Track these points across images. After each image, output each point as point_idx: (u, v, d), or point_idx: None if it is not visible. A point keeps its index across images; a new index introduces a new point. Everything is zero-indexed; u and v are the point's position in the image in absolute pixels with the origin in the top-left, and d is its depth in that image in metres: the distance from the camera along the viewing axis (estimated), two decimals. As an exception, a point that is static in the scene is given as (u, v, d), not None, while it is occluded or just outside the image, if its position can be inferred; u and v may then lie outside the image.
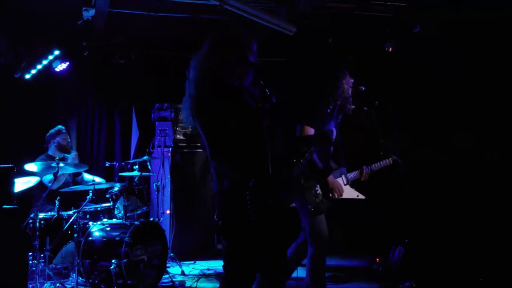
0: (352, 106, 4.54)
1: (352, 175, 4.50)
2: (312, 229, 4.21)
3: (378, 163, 4.54)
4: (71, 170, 5.58)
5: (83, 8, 5.68)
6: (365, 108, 4.64)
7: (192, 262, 6.53)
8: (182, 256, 6.48)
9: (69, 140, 6.01)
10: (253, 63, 2.91)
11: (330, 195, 4.28)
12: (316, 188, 4.26)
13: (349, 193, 4.48)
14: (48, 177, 5.54)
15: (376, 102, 4.47)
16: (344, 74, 4.44)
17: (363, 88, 4.47)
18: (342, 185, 4.38)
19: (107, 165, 6.60)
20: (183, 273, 5.97)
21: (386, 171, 4.59)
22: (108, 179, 7.04)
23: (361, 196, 4.53)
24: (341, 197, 4.37)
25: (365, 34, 6.52)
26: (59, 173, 5.09)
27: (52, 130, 5.97)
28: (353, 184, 4.53)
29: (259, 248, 2.80)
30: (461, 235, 5.58)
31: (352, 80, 4.45)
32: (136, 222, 5.17)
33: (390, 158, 4.52)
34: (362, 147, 5.06)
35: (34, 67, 6.52)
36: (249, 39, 3.00)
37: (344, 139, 4.54)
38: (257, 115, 2.88)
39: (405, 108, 6.00)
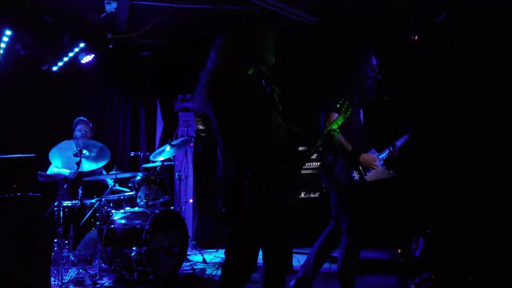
0: (374, 95, 4.53)
1: (383, 154, 4.50)
2: (350, 220, 4.22)
3: (402, 138, 4.55)
4: (93, 165, 5.68)
5: (105, 1, 5.80)
6: (386, 98, 4.63)
7: (214, 250, 6.62)
8: (204, 244, 6.59)
9: (84, 131, 6.04)
10: (264, 57, 2.96)
11: (365, 175, 4.26)
12: (353, 174, 4.25)
13: (383, 173, 4.46)
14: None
15: (392, 92, 4.45)
16: (368, 53, 4.40)
17: (380, 77, 4.43)
18: (376, 158, 4.36)
19: (132, 155, 6.74)
20: (204, 261, 6.07)
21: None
22: (133, 169, 7.21)
23: (393, 175, 4.53)
24: (377, 174, 4.35)
25: (386, 23, 6.45)
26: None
27: (74, 121, 6.14)
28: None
29: (259, 237, 2.85)
30: (483, 227, 5.49)
31: (375, 62, 4.40)
32: (156, 211, 5.28)
33: (410, 133, 4.54)
34: (385, 132, 5.02)
35: (61, 60, 6.70)
36: (264, 32, 3.03)
37: (369, 123, 4.54)
38: (266, 107, 2.92)
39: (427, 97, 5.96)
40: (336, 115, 4.12)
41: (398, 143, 4.54)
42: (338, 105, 3.99)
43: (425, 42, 6.31)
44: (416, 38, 6.57)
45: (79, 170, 5.21)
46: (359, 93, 4.33)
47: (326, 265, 4.53)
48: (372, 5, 6.05)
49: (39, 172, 4.69)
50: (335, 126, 3.96)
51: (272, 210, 2.80)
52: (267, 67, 3.01)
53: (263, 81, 2.88)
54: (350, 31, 6.66)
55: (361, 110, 4.40)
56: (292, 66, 6.83)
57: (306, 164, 6.34)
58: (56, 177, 5.73)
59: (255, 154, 2.78)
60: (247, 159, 2.76)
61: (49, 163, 5.56)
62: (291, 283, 4.42)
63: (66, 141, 5.33)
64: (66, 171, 5.65)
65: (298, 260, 5.18)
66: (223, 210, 2.86)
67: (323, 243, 4.46)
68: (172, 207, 6.08)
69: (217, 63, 2.96)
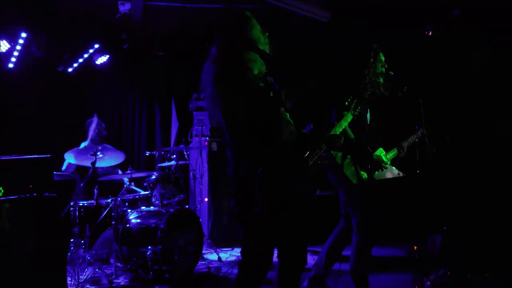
0: (387, 92, 4.51)
1: (391, 153, 4.47)
2: (360, 218, 4.21)
3: (410, 138, 4.53)
4: (107, 163, 5.74)
5: (119, 2, 5.86)
6: (400, 94, 4.59)
7: (230, 249, 6.63)
8: (220, 243, 6.60)
9: (98, 130, 6.13)
10: (262, 52, 2.93)
11: (374, 173, 4.25)
12: (358, 172, 4.25)
13: (391, 172, 4.46)
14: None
15: (405, 88, 4.41)
16: (376, 50, 4.37)
17: (392, 74, 4.40)
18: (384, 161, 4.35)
19: (147, 154, 6.78)
20: (219, 259, 6.07)
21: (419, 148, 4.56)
22: (148, 168, 7.26)
23: (401, 174, 4.52)
24: (386, 173, 4.35)
25: (401, 18, 6.40)
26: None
27: (87, 122, 6.23)
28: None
29: (273, 235, 2.85)
30: (501, 224, 5.43)
31: (382, 60, 4.37)
32: (171, 210, 5.30)
33: (419, 132, 4.49)
34: (395, 129, 4.99)
35: (76, 61, 6.77)
36: (256, 27, 3.02)
37: (377, 121, 4.52)
38: (274, 103, 2.91)
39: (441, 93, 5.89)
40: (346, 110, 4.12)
41: (405, 143, 4.51)
42: (346, 103, 3.97)
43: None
44: (430, 33, 6.51)
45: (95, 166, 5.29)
46: (370, 91, 4.30)
47: (336, 263, 4.51)
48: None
49: (55, 172, 4.75)
50: (344, 124, 3.95)
51: (284, 208, 2.79)
52: (269, 63, 2.96)
53: (271, 78, 2.86)
54: (362, 27, 6.63)
55: (368, 109, 4.37)
56: (302, 63, 6.83)
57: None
58: (69, 170, 5.81)
59: (265, 151, 2.77)
60: (257, 156, 2.75)
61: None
62: (304, 284, 4.42)
63: (83, 146, 5.42)
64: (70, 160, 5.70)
65: (313, 257, 5.17)
66: (236, 209, 2.87)
67: (334, 241, 4.46)
68: (187, 206, 6.10)
69: (218, 64, 2.93)
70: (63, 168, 5.89)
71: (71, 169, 5.88)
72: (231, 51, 2.91)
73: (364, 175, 4.24)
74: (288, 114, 2.92)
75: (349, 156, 4.22)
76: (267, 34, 3.03)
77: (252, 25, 2.99)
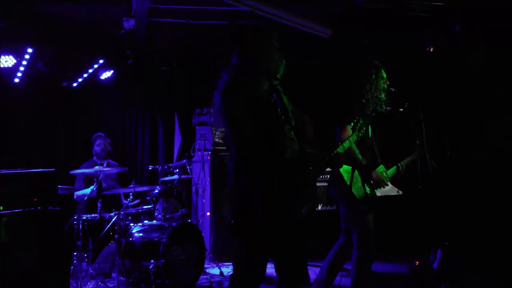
0: (388, 108, 4.55)
1: (391, 171, 4.50)
2: (361, 233, 4.21)
3: (408, 158, 4.55)
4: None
5: (124, 18, 5.92)
6: (401, 110, 4.62)
7: (231, 263, 6.61)
8: (222, 258, 6.59)
9: (103, 145, 6.17)
10: (269, 70, 2.98)
11: (376, 189, 4.28)
12: (364, 188, 4.27)
13: (391, 190, 4.48)
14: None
15: (406, 104, 4.45)
16: (378, 66, 4.41)
17: (393, 90, 4.44)
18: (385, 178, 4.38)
19: (150, 168, 6.82)
20: (221, 274, 6.08)
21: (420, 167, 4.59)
22: (151, 182, 7.29)
23: (400, 192, 4.54)
24: (385, 191, 4.38)
25: (403, 34, 6.47)
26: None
27: (92, 137, 6.28)
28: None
29: (268, 249, 2.87)
30: (503, 238, 5.44)
31: (384, 76, 4.42)
32: (174, 224, 5.33)
33: (416, 151, 4.52)
34: (396, 146, 5.03)
35: (80, 76, 6.85)
36: (269, 43, 3.06)
37: (378, 139, 4.55)
38: (277, 119, 2.95)
39: (441, 108, 5.94)
40: (350, 129, 4.14)
41: (404, 162, 4.54)
42: (352, 123, 3.99)
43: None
44: (431, 49, 6.57)
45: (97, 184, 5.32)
46: (372, 107, 4.33)
47: (337, 278, 4.52)
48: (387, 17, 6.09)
49: (60, 186, 4.79)
50: (347, 144, 3.97)
51: (285, 222, 2.81)
52: (278, 80, 3.01)
53: (274, 95, 2.90)
54: (364, 43, 6.69)
55: (369, 125, 4.41)
56: (306, 79, 6.90)
57: (321, 177, 6.35)
58: (80, 199, 5.86)
59: (268, 166, 2.80)
60: (260, 170, 2.78)
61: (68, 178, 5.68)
62: None
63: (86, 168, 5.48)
64: (87, 190, 5.76)
65: (315, 272, 5.17)
66: (232, 221, 2.89)
67: (334, 256, 4.45)
68: (189, 220, 6.12)
69: (229, 76, 3.00)
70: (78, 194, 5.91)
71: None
72: (239, 67, 2.97)
73: (367, 190, 4.27)
74: (293, 132, 2.93)
75: (356, 172, 4.25)
76: (278, 48, 3.07)
77: (263, 41, 3.03)
